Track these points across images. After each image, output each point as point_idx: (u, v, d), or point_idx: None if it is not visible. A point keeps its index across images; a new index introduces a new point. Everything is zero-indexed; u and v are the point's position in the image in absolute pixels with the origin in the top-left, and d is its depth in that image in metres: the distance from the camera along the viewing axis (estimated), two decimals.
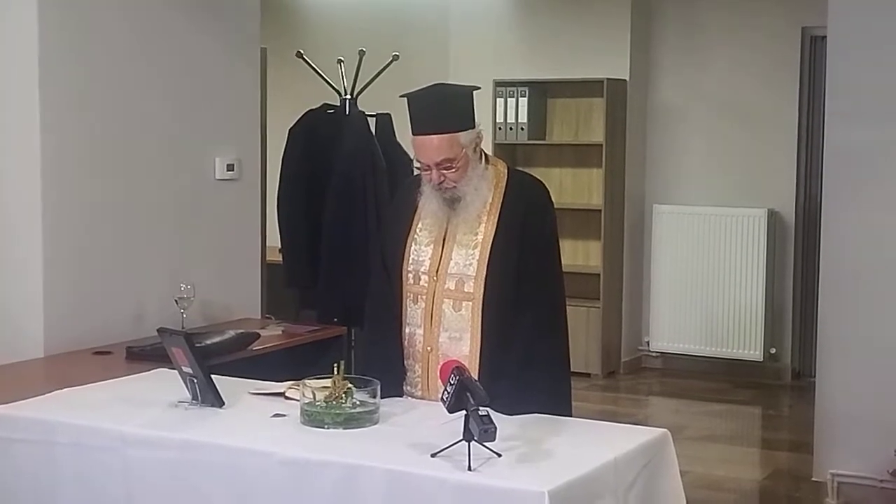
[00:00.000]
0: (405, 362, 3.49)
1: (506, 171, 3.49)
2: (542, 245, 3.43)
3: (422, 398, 3.45)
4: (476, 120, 3.42)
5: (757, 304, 7.89)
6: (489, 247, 3.38)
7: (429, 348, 3.44)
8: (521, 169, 3.59)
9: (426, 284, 3.44)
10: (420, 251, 3.47)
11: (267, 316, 5.74)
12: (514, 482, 2.72)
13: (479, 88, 3.51)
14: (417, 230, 3.49)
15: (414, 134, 3.38)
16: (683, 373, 8.17)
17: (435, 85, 3.47)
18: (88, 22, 4.77)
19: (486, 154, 3.49)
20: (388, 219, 3.78)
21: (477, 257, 3.38)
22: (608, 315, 8.09)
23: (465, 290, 3.39)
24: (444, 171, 3.34)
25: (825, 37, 5.68)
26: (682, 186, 8.25)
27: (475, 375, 3.28)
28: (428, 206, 3.44)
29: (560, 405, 3.37)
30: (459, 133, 3.34)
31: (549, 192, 3.52)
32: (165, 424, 3.20)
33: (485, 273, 3.36)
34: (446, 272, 3.41)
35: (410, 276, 3.47)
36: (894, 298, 5.26)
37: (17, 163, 4.64)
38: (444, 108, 3.37)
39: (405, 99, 3.43)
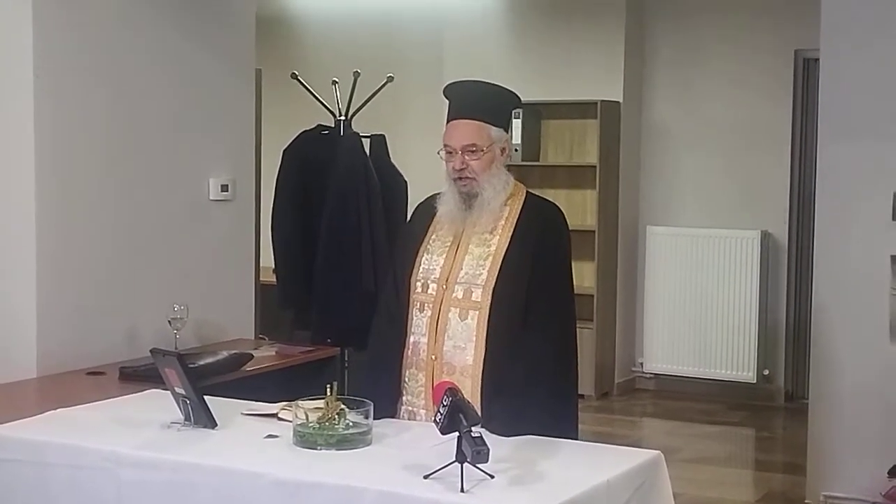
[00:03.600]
0: (408, 371, 3.49)
1: (524, 192, 3.53)
2: (556, 266, 3.45)
3: (424, 408, 3.45)
4: (509, 129, 3.49)
5: (750, 326, 7.90)
6: (501, 258, 3.39)
7: (433, 357, 3.43)
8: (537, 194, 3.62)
9: (434, 293, 3.45)
10: (432, 260, 3.49)
11: (261, 336, 5.75)
12: None
13: (520, 101, 3.59)
14: (431, 240, 3.52)
15: (448, 121, 3.45)
16: (677, 394, 8.17)
17: (481, 80, 3.53)
18: (82, 44, 4.78)
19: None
20: (404, 231, 3.80)
21: (487, 267, 3.40)
22: (602, 336, 8.09)
23: (473, 299, 3.40)
24: (468, 158, 3.38)
25: (818, 59, 5.71)
26: (675, 208, 8.27)
27: (478, 386, 3.33)
28: (445, 205, 3.46)
29: (564, 426, 3.36)
30: (491, 126, 3.41)
31: (564, 217, 3.55)
32: (158, 445, 3.20)
33: (494, 283, 3.37)
34: (455, 280, 3.42)
35: (419, 284, 3.49)
36: (886, 319, 5.26)
37: (11, 183, 4.64)
38: (482, 99, 3.46)
39: (447, 91, 3.49)
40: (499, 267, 3.38)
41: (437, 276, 3.45)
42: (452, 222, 3.46)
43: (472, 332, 3.38)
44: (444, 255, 3.47)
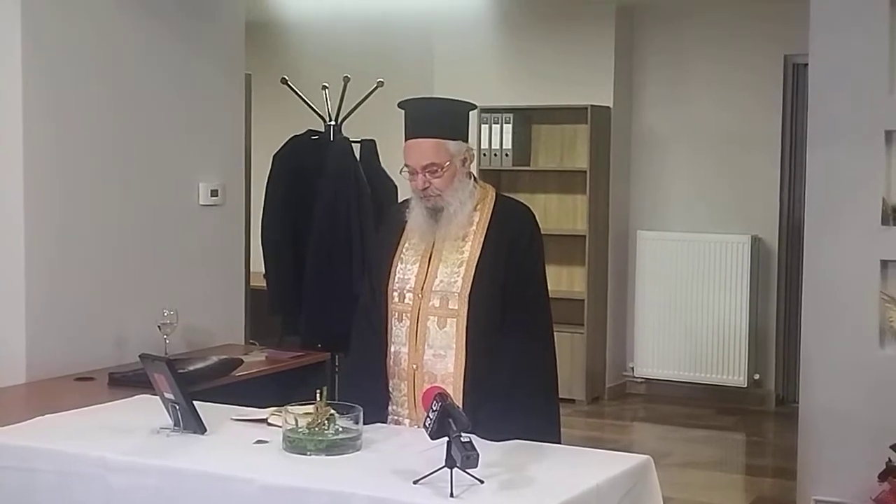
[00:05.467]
0: (391, 381, 3.49)
1: (493, 194, 3.53)
2: (530, 269, 3.46)
3: (408, 417, 3.46)
4: (468, 137, 3.49)
5: (741, 331, 7.92)
6: (475, 264, 3.40)
7: (414, 366, 3.44)
8: (507, 195, 3.63)
9: (410, 302, 3.46)
10: (406, 269, 3.49)
11: (251, 342, 5.74)
12: None
13: (475, 107, 3.57)
14: (404, 249, 3.52)
15: (406, 139, 3.44)
16: (668, 399, 8.17)
17: (432, 97, 3.54)
18: (72, 49, 4.77)
19: (475, 176, 3.53)
20: (376, 240, 3.81)
21: (462, 274, 3.40)
22: (592, 341, 8.10)
23: (450, 306, 3.40)
24: (430, 177, 3.38)
25: (807, 64, 5.71)
26: (665, 212, 8.28)
27: (460, 393, 3.33)
28: (413, 219, 3.47)
29: (547, 430, 3.37)
30: (448, 141, 3.40)
31: (535, 218, 3.56)
32: (147, 451, 3.19)
33: (469, 290, 3.38)
34: (431, 289, 3.43)
35: (396, 294, 3.49)
36: (876, 324, 5.27)
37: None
38: (436, 115, 3.46)
39: (402, 106, 3.50)
40: (473, 273, 3.39)
41: (413, 286, 3.46)
42: (423, 235, 3.47)
43: (451, 340, 3.39)
44: (417, 264, 3.48)
